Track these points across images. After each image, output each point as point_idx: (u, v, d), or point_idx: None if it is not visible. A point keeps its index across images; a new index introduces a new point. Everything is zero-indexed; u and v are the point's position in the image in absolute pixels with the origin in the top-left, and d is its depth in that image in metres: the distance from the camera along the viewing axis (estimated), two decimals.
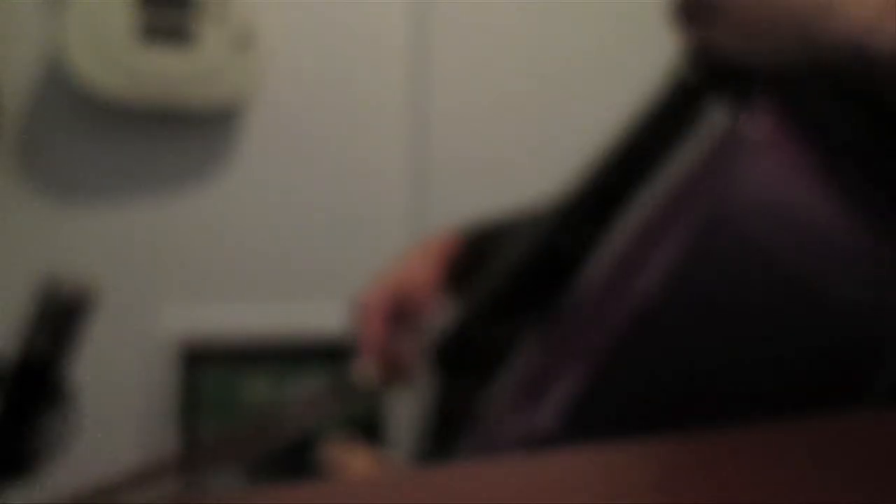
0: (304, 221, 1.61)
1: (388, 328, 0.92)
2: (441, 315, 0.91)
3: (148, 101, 1.47)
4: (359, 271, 0.96)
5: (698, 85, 0.62)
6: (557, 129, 1.65)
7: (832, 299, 0.50)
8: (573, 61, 1.69)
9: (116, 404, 1.49)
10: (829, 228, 0.51)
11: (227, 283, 1.58)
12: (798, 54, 0.55)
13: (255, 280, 1.59)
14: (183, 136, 1.55)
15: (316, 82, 1.61)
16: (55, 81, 1.47)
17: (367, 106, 1.64)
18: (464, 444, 0.64)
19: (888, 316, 0.50)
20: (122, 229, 1.53)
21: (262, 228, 1.60)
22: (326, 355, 1.51)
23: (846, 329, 0.50)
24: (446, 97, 1.66)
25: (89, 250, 1.50)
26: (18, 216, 1.49)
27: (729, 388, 0.52)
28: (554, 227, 0.69)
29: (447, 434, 0.69)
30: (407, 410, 1.51)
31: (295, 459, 0.85)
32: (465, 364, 0.72)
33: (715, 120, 0.59)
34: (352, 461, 0.79)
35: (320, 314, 1.47)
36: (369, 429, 1.52)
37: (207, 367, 1.51)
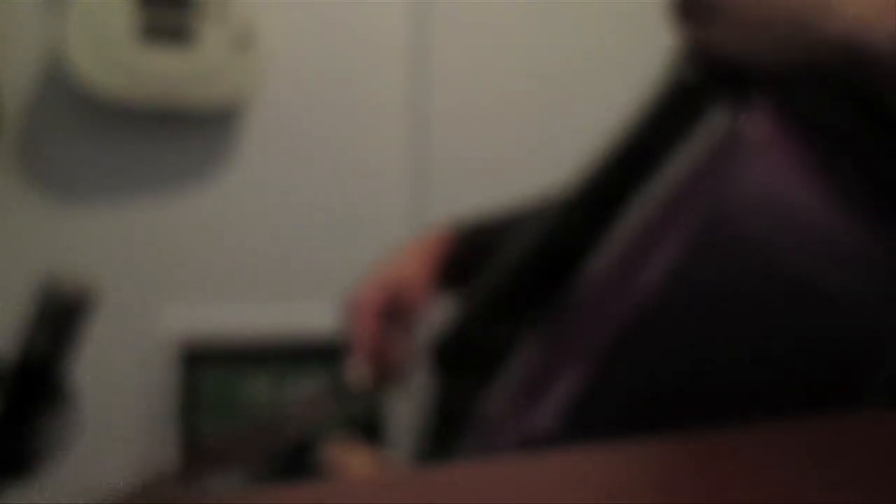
0: (304, 221, 1.61)
1: (381, 327, 0.90)
2: (435, 312, 0.90)
3: (148, 101, 1.47)
4: (359, 271, 0.95)
5: (698, 85, 0.62)
6: (557, 129, 1.65)
7: (832, 299, 0.50)
8: (573, 61, 1.69)
9: (116, 404, 1.49)
10: (828, 228, 0.51)
11: (227, 283, 1.58)
12: (795, 53, 0.55)
13: (255, 280, 1.59)
14: (183, 136, 1.55)
15: (316, 82, 1.61)
16: (55, 81, 1.47)
17: (367, 106, 1.64)
18: (464, 444, 0.64)
19: (888, 316, 0.50)
20: (122, 229, 1.53)
21: (262, 228, 1.60)
22: (326, 355, 1.51)
23: (846, 329, 0.50)
24: (446, 97, 1.66)
25: (89, 250, 1.50)
26: (18, 216, 1.49)
27: (729, 388, 0.52)
28: (554, 226, 0.69)
29: (447, 434, 0.69)
30: (407, 410, 1.51)
31: (295, 459, 0.85)
32: (465, 364, 0.72)
33: (715, 120, 0.59)
34: (352, 461, 0.79)
35: (320, 314, 1.47)
36: (369, 429, 1.52)
37: (207, 367, 1.51)
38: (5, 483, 0.61)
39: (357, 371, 0.88)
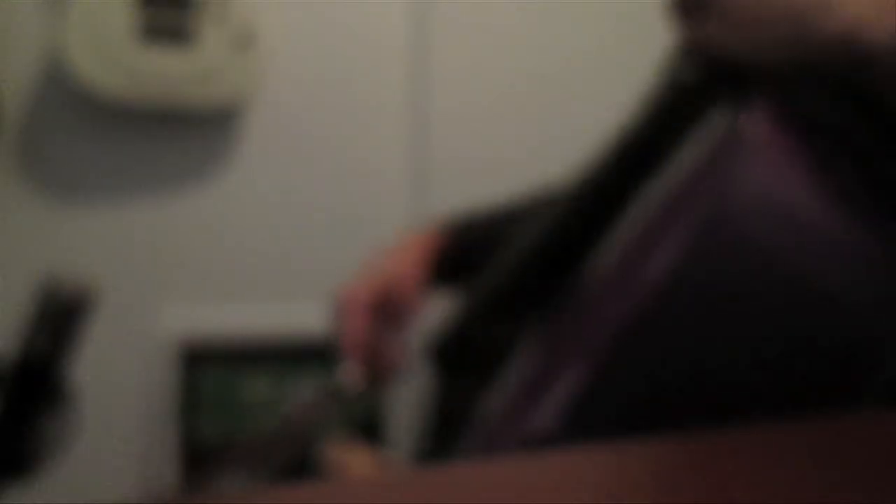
0: (304, 221, 1.61)
1: (373, 325, 0.88)
2: (430, 311, 0.90)
3: (148, 101, 1.47)
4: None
5: (698, 85, 0.62)
6: (557, 129, 1.65)
7: (832, 299, 0.50)
8: (573, 61, 1.69)
9: (116, 404, 1.49)
10: (828, 228, 0.51)
11: (227, 283, 1.58)
12: (795, 52, 0.55)
13: (255, 280, 1.59)
14: (183, 136, 1.55)
15: (316, 82, 1.61)
16: (55, 81, 1.47)
17: (367, 106, 1.64)
18: (464, 444, 0.64)
19: (888, 316, 0.50)
20: (122, 229, 1.53)
21: (262, 228, 1.60)
22: (326, 355, 1.50)
23: (846, 329, 0.50)
24: (446, 97, 1.66)
25: (89, 250, 1.50)
26: (18, 216, 1.49)
27: (729, 388, 0.52)
28: (554, 226, 0.69)
29: (447, 434, 0.69)
30: (407, 410, 1.51)
31: (295, 459, 0.85)
32: (465, 364, 0.72)
33: (715, 120, 0.59)
34: (352, 461, 0.79)
35: (320, 314, 1.47)
36: (369, 429, 1.52)
37: (207, 367, 1.51)
38: (5, 483, 0.61)
39: (350, 373, 0.86)
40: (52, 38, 1.43)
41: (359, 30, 1.63)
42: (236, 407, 1.52)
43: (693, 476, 0.39)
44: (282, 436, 0.84)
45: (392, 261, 0.92)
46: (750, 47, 0.57)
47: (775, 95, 0.55)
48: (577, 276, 0.62)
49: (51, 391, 0.62)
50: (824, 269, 0.50)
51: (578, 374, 0.54)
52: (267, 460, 0.82)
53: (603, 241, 0.62)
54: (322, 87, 1.61)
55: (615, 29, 1.67)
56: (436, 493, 0.37)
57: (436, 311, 0.86)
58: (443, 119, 1.66)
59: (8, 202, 1.48)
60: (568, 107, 1.68)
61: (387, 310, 0.90)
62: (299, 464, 0.81)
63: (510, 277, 0.71)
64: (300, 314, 1.56)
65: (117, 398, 1.49)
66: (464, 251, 0.93)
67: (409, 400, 1.39)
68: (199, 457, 1.49)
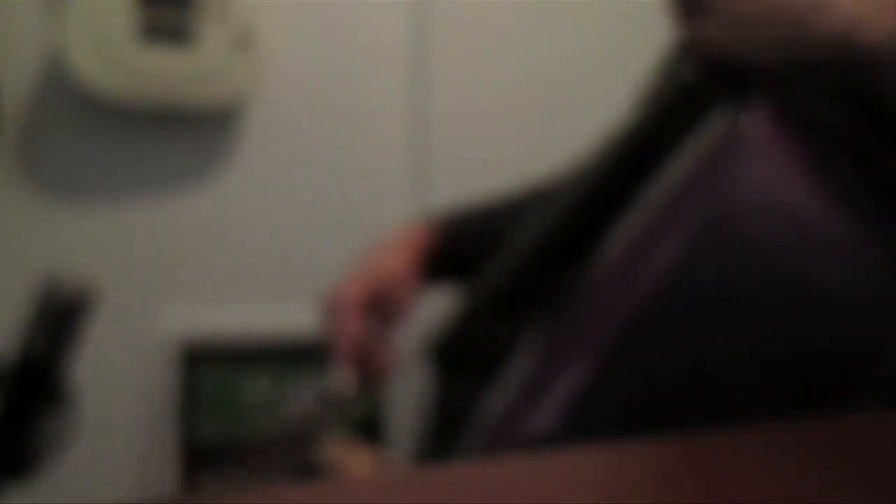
0: (304, 221, 1.61)
1: (365, 325, 0.86)
2: (427, 310, 0.89)
3: (148, 101, 1.47)
4: None
5: (698, 85, 0.62)
6: (557, 129, 1.65)
7: (832, 299, 0.50)
8: (573, 61, 1.69)
9: (116, 404, 1.49)
10: (828, 228, 0.51)
11: (227, 283, 1.58)
12: (794, 52, 0.55)
13: (256, 280, 1.59)
14: (183, 136, 1.55)
15: (316, 82, 1.61)
16: (55, 81, 1.47)
17: (367, 106, 1.64)
18: (464, 444, 0.64)
19: (888, 316, 0.50)
20: (122, 229, 1.53)
21: (262, 228, 1.60)
22: (326, 355, 1.50)
23: (846, 329, 0.50)
24: (446, 97, 1.66)
25: (89, 250, 1.50)
26: (18, 216, 1.49)
27: (729, 388, 0.52)
28: (554, 226, 0.69)
29: (447, 434, 0.69)
30: (407, 410, 1.51)
31: (295, 463, 0.85)
32: (465, 364, 0.72)
33: (715, 120, 0.59)
34: (352, 461, 0.79)
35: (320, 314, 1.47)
36: (369, 429, 1.52)
37: (207, 367, 1.51)
38: (5, 483, 0.61)
39: (343, 378, 0.84)
40: (52, 38, 1.43)
41: (359, 30, 1.63)
42: (236, 407, 1.52)
43: (693, 476, 0.39)
44: (281, 443, 0.83)
45: (383, 258, 0.90)
46: (750, 47, 0.57)
47: (775, 95, 0.55)
48: (577, 275, 0.62)
49: (51, 391, 0.62)
50: (824, 269, 0.50)
51: (578, 374, 0.54)
52: (267, 466, 0.82)
53: (603, 241, 0.62)
54: (322, 87, 1.61)
55: (615, 29, 1.67)
56: (436, 493, 0.37)
57: (435, 311, 0.86)
58: (443, 119, 1.66)
59: (8, 202, 1.48)
60: (568, 107, 1.68)
61: (379, 308, 0.88)
62: (299, 464, 0.81)
63: (510, 277, 0.71)
64: (300, 314, 1.56)
65: (117, 398, 1.49)
66: (456, 246, 0.91)
67: (409, 400, 1.39)
68: (199, 457, 1.49)
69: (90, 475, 1.36)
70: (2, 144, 1.46)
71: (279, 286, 1.58)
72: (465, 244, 0.91)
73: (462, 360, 0.73)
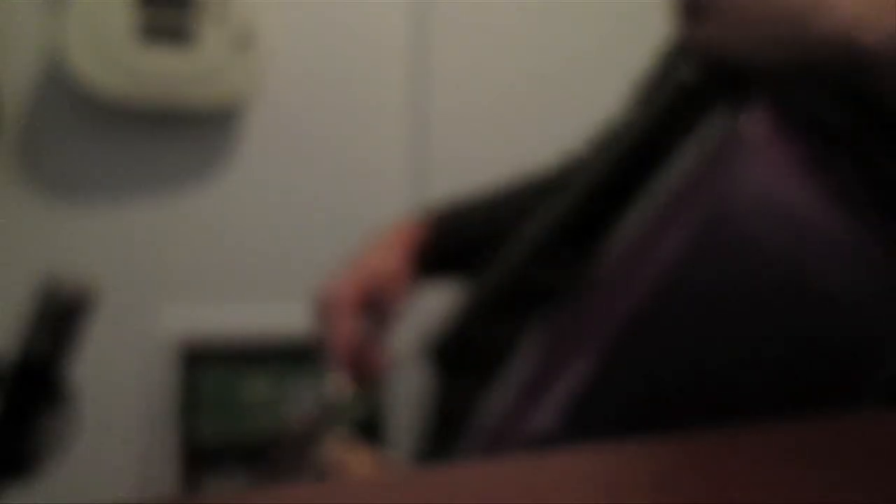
0: (305, 221, 1.61)
1: (359, 325, 0.84)
2: (426, 309, 0.87)
3: (148, 101, 1.47)
4: None
5: (698, 85, 0.62)
6: (557, 129, 1.65)
7: (832, 299, 0.50)
8: (573, 61, 1.69)
9: (116, 404, 1.49)
10: (828, 228, 0.51)
11: (227, 283, 1.58)
12: (793, 52, 0.55)
13: (256, 280, 1.59)
14: (183, 136, 1.55)
15: (316, 82, 1.61)
16: (55, 81, 1.47)
17: (367, 106, 1.64)
18: (464, 444, 0.64)
19: (888, 316, 0.50)
20: (122, 229, 1.53)
21: (262, 228, 1.60)
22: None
23: (846, 329, 0.50)
24: (446, 97, 1.66)
25: (89, 250, 1.50)
26: (18, 216, 1.49)
27: (729, 388, 0.52)
28: (554, 226, 0.69)
29: (447, 434, 0.69)
30: (407, 410, 1.51)
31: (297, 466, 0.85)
32: (465, 364, 0.72)
33: (715, 120, 0.59)
34: (352, 461, 0.79)
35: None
36: (369, 429, 1.52)
37: (207, 367, 1.51)
38: (5, 483, 0.61)
39: (340, 383, 0.83)
40: (52, 38, 1.43)
41: (359, 30, 1.63)
42: (236, 407, 1.52)
43: (693, 476, 0.39)
44: (283, 450, 0.83)
45: (376, 256, 0.88)
46: (749, 47, 0.57)
47: (775, 95, 0.55)
48: (577, 275, 0.62)
49: (51, 391, 0.62)
50: (824, 269, 0.50)
51: (578, 374, 0.54)
52: (270, 471, 0.81)
53: (603, 241, 0.62)
54: (322, 87, 1.61)
55: (615, 29, 1.67)
56: (436, 493, 0.37)
57: (434, 311, 0.85)
58: (443, 119, 1.66)
59: (8, 202, 1.48)
60: (568, 107, 1.68)
61: (372, 307, 0.86)
62: (302, 468, 0.80)
63: (510, 276, 0.71)
64: (300, 314, 1.56)
65: (117, 398, 1.49)
66: (449, 241, 0.90)
67: (409, 400, 1.39)
68: (199, 457, 1.49)
69: (90, 475, 1.36)
70: (2, 144, 1.46)
71: (279, 286, 1.58)
72: (459, 239, 0.90)
73: (462, 360, 0.73)
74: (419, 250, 0.90)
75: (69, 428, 0.63)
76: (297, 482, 0.77)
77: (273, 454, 0.83)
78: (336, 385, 0.83)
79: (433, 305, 0.90)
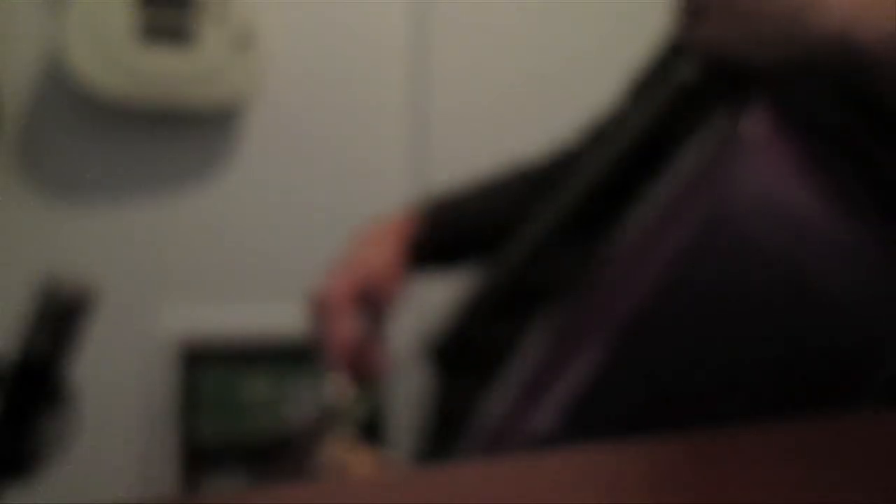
0: (305, 221, 1.61)
1: (356, 325, 0.82)
2: (426, 309, 0.87)
3: (148, 101, 1.47)
4: None
5: (698, 85, 0.62)
6: (557, 129, 1.65)
7: (832, 299, 0.50)
8: (573, 61, 1.69)
9: (116, 404, 1.49)
10: (828, 228, 0.51)
11: (227, 283, 1.58)
12: (790, 50, 0.55)
13: (255, 280, 1.59)
14: (183, 136, 1.55)
15: (316, 82, 1.61)
16: (55, 81, 1.47)
17: (367, 106, 1.64)
18: (464, 444, 0.64)
19: (888, 316, 0.50)
20: (122, 229, 1.53)
21: (262, 228, 1.60)
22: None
23: (846, 329, 0.50)
24: (446, 97, 1.66)
25: (89, 250, 1.50)
26: (18, 216, 1.49)
27: (729, 388, 0.52)
28: (554, 227, 0.69)
29: (447, 434, 0.69)
30: (407, 410, 1.51)
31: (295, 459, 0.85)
32: (465, 364, 0.72)
33: (715, 120, 0.59)
34: (352, 461, 0.79)
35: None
36: (369, 429, 1.52)
37: (207, 367, 1.51)
38: (5, 483, 0.61)
39: (340, 385, 0.82)
40: (52, 38, 1.43)
41: (359, 30, 1.63)
42: (236, 407, 1.52)
43: (693, 476, 0.39)
44: (286, 452, 0.83)
45: (369, 251, 0.87)
46: (748, 45, 0.57)
47: (775, 95, 0.55)
48: (577, 275, 0.62)
49: (51, 391, 0.62)
50: (824, 269, 0.50)
51: (578, 374, 0.54)
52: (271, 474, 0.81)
53: (603, 241, 0.62)
54: (322, 87, 1.61)
55: (615, 29, 1.67)
56: (436, 493, 0.37)
57: (435, 311, 0.85)
58: (443, 119, 1.66)
59: (8, 202, 1.48)
60: (568, 107, 1.67)
61: (368, 304, 0.84)
62: (304, 469, 0.80)
63: (510, 277, 0.71)
64: (300, 314, 1.56)
65: (117, 398, 1.49)
66: (443, 232, 0.90)
67: (409, 400, 1.39)
68: (199, 457, 1.49)
69: (90, 475, 1.36)
70: (2, 144, 1.46)
71: (279, 286, 1.58)
72: (453, 229, 0.90)
73: (462, 360, 0.73)
74: (413, 242, 0.88)
75: (69, 428, 0.63)
76: (298, 482, 0.77)
77: (274, 455, 0.83)
78: (336, 386, 0.83)
79: (433, 306, 0.90)
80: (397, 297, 0.87)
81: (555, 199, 0.70)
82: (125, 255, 1.53)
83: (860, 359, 0.51)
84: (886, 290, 0.50)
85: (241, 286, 1.58)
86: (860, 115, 0.53)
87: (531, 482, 0.38)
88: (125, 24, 1.41)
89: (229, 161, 1.58)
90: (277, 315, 1.55)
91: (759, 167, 0.52)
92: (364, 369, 0.83)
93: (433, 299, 0.92)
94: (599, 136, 0.80)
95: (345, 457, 0.79)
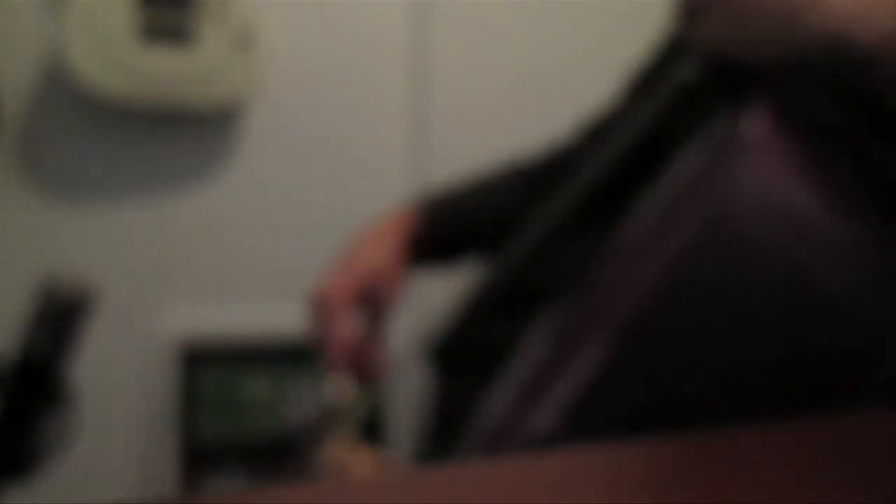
0: (305, 221, 1.61)
1: (356, 324, 0.82)
2: (425, 309, 0.87)
3: (148, 101, 1.47)
4: None
5: (698, 85, 0.62)
6: (557, 129, 1.65)
7: (832, 299, 0.50)
8: (573, 61, 1.69)
9: (116, 404, 1.49)
10: (828, 228, 0.51)
11: (227, 283, 1.58)
12: (789, 49, 0.55)
13: (256, 280, 1.59)
14: (183, 136, 1.55)
15: (316, 82, 1.61)
16: (55, 81, 1.47)
17: (367, 106, 1.64)
18: (464, 444, 0.64)
19: (888, 316, 0.50)
20: (122, 229, 1.53)
21: (262, 228, 1.60)
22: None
23: (846, 328, 0.50)
24: (446, 97, 1.66)
25: (89, 250, 1.50)
26: (18, 216, 1.49)
27: (729, 388, 0.52)
28: (554, 227, 0.69)
29: (447, 434, 0.69)
30: (407, 410, 1.51)
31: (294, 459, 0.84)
32: (465, 364, 0.72)
33: (715, 120, 0.59)
34: (352, 461, 0.79)
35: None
36: (369, 429, 1.52)
37: (207, 367, 1.51)
38: (5, 483, 0.61)
39: (340, 383, 0.81)
40: (52, 38, 1.43)
41: (359, 30, 1.63)
42: (236, 407, 1.52)
43: (693, 476, 0.39)
44: (286, 452, 0.82)
45: (368, 248, 0.86)
46: (749, 46, 0.57)
47: (775, 95, 0.55)
48: (577, 275, 0.62)
49: (51, 391, 0.62)
50: (824, 269, 0.50)
51: (579, 374, 0.54)
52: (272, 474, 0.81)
53: (603, 241, 0.62)
54: (322, 87, 1.61)
55: (615, 29, 1.67)
56: (436, 493, 0.37)
57: (435, 310, 0.85)
58: (443, 119, 1.66)
59: (8, 202, 1.48)
60: (568, 107, 1.67)
61: (367, 302, 0.84)
62: (304, 469, 0.80)
63: (510, 276, 0.71)
64: (300, 314, 1.56)
65: (117, 398, 1.49)
66: (442, 229, 0.90)
67: (409, 400, 1.39)
68: (199, 457, 1.49)
69: (90, 475, 1.36)
70: (2, 144, 1.46)
71: (279, 286, 1.58)
72: (451, 225, 0.90)
73: (462, 360, 0.73)
74: (412, 239, 0.88)
75: (69, 428, 0.63)
76: (298, 482, 0.77)
77: (274, 455, 0.83)
78: (336, 386, 0.83)
79: (433, 305, 0.90)
80: (397, 295, 0.87)
81: (555, 198, 0.70)
82: (125, 255, 1.53)
83: (860, 359, 0.51)
84: (886, 290, 0.50)
85: (241, 286, 1.58)
86: (860, 115, 0.53)
87: (531, 482, 0.38)
88: (125, 24, 1.41)
89: (229, 161, 1.58)
90: (277, 315, 1.55)
91: (759, 167, 0.52)
92: (364, 369, 0.83)
93: (433, 298, 0.92)
94: (596, 133, 0.80)
95: (345, 457, 0.79)
